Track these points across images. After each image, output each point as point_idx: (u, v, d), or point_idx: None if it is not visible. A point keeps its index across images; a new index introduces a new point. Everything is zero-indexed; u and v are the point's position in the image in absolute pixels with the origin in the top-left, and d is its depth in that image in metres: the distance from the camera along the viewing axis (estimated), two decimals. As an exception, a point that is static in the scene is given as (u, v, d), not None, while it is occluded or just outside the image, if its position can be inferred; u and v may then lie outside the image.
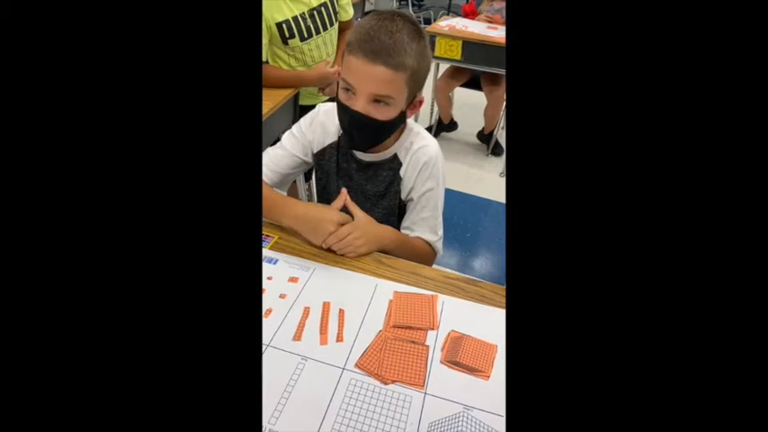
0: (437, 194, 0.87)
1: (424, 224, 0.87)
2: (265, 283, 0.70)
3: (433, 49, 2.29)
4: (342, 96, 0.75)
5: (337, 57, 1.54)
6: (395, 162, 0.86)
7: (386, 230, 0.82)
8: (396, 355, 0.60)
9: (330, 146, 0.89)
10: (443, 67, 2.53)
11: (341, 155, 0.89)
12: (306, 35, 1.40)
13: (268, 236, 0.80)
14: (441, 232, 0.89)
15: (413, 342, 0.62)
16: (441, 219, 0.89)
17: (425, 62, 0.74)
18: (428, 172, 0.85)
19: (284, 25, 1.35)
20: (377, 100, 0.72)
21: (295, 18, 1.36)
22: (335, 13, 1.48)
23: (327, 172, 0.91)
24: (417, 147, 0.85)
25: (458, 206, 2.16)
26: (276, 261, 0.75)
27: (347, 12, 1.55)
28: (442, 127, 2.73)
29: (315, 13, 1.40)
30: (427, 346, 0.61)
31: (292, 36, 1.38)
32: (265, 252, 0.77)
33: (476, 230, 2.05)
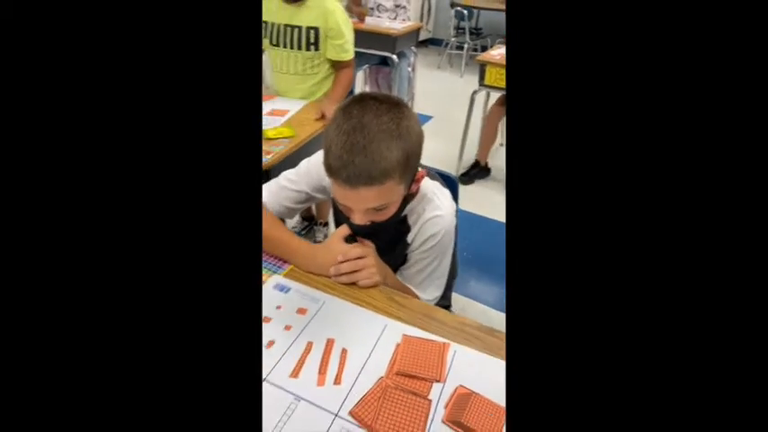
0: (438, 265, 0.82)
1: (419, 283, 0.84)
2: (273, 313, 0.69)
3: (483, 77, 2.26)
4: (340, 205, 0.72)
5: (332, 93, 1.60)
6: (404, 225, 0.81)
7: (389, 271, 0.81)
8: (394, 406, 0.55)
9: None
10: (494, 95, 2.48)
11: None
12: (275, 42, 1.54)
13: (285, 262, 0.79)
14: (437, 293, 0.84)
15: (414, 394, 0.57)
16: (440, 281, 0.84)
17: (416, 139, 0.67)
18: (433, 242, 0.79)
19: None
20: (374, 208, 0.68)
21: (272, 23, 1.52)
22: (316, 44, 1.52)
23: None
24: (430, 215, 0.79)
25: (496, 236, 2.06)
26: (288, 290, 0.74)
27: (347, 51, 1.56)
28: (475, 171, 2.53)
29: (290, 29, 1.51)
30: (430, 401, 0.57)
31: (264, 36, 1.55)
32: (279, 279, 0.76)
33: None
